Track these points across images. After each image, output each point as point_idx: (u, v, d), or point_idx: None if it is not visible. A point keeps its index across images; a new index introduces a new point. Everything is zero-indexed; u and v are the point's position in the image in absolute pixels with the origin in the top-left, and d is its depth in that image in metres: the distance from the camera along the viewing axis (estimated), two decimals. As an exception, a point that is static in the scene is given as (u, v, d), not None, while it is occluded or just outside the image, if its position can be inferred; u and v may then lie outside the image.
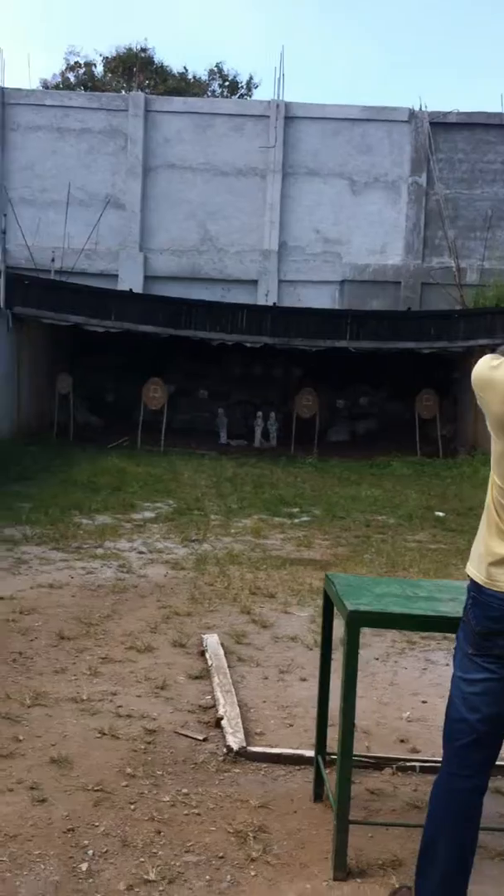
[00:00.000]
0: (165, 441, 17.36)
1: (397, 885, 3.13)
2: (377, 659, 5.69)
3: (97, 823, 3.47)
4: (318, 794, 3.79)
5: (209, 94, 32.56)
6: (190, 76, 33.75)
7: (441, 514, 11.41)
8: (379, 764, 4.15)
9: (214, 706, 4.67)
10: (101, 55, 34.02)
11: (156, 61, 33.59)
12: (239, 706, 4.66)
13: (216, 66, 34.16)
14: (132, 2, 55.78)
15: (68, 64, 33.45)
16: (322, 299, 21.89)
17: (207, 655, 5.40)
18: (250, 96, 32.99)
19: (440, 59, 59.76)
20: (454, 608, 3.21)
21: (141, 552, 8.40)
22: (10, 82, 31.40)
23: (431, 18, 61.90)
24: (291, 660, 5.56)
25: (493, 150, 22.47)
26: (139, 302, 18.80)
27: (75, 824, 3.45)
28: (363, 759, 4.12)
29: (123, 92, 28.52)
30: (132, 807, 3.63)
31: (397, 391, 20.22)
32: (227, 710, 4.57)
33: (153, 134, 22.57)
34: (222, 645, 5.62)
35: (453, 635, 3.00)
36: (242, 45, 58.84)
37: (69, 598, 6.65)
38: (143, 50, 33.46)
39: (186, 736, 4.34)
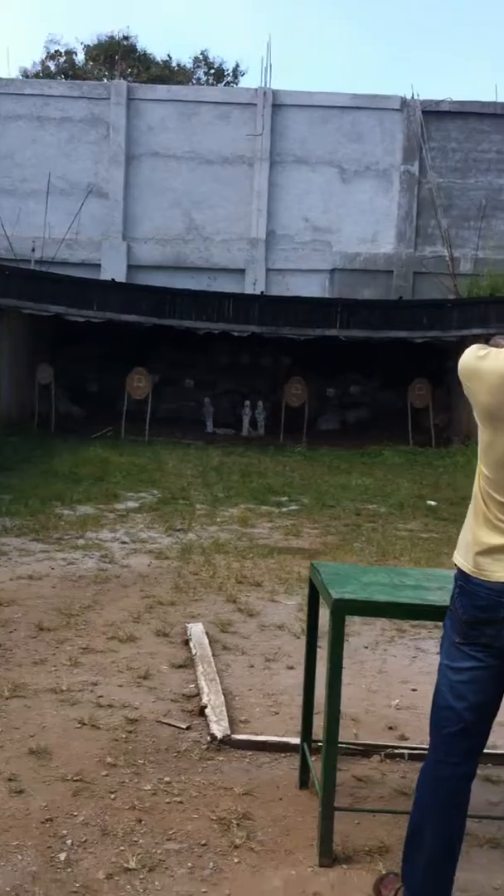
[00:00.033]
0: (150, 431, 17.26)
1: (384, 872, 3.11)
2: (366, 647, 5.63)
3: (76, 813, 3.41)
4: (304, 782, 3.75)
5: (194, 81, 32.38)
6: (174, 64, 33.58)
7: (433, 503, 11.34)
8: (367, 751, 4.11)
9: (198, 695, 4.60)
10: (82, 43, 33.86)
11: (139, 49, 33.40)
12: (224, 694, 4.60)
13: (201, 53, 34.03)
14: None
15: (48, 52, 33.26)
16: (311, 288, 21.79)
17: (191, 644, 5.32)
18: (237, 84, 32.84)
19: (433, 47, 59.71)
20: (441, 597, 3.19)
21: (124, 542, 8.30)
22: (-11, 72, 31.23)
23: (424, 6, 61.74)
24: (278, 648, 5.49)
25: (487, 139, 22.38)
26: (121, 291, 18.66)
27: (54, 814, 3.39)
28: (351, 747, 4.09)
29: (105, 80, 28.31)
30: (112, 796, 3.57)
31: (389, 380, 20.15)
32: (212, 698, 4.50)
33: (136, 122, 22.41)
34: (207, 634, 5.55)
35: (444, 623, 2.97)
36: (228, 32, 58.62)
37: (49, 590, 6.54)
38: (126, 38, 33.27)
39: (169, 724, 4.27)
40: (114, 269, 21.65)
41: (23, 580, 6.74)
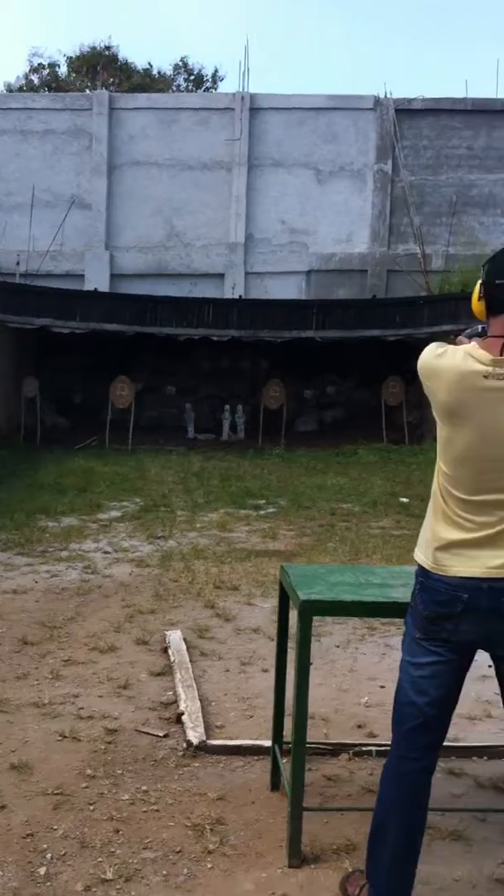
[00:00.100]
0: (133, 439, 17.34)
1: (350, 870, 3.18)
2: (338, 646, 5.77)
3: (56, 827, 3.50)
4: (276, 784, 3.85)
5: (174, 88, 32.41)
6: (155, 72, 33.56)
7: (405, 500, 11.50)
8: (336, 750, 4.21)
9: (176, 702, 4.72)
10: (64, 55, 33.81)
11: (120, 59, 33.39)
12: (200, 700, 4.72)
13: (181, 60, 34.01)
14: (95, 1, 55.39)
15: (32, 66, 33.23)
16: (289, 290, 21.90)
17: (170, 651, 5.45)
18: (216, 89, 32.89)
19: (406, 44, 59.81)
20: (405, 594, 3.25)
21: (106, 552, 8.42)
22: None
23: (397, 4, 61.91)
24: (253, 651, 5.63)
25: (457, 135, 22.48)
26: (104, 301, 18.73)
27: (34, 829, 3.48)
28: (320, 746, 4.19)
29: (88, 91, 28.35)
30: (91, 807, 3.67)
31: (364, 379, 20.27)
32: (188, 704, 4.63)
33: (118, 132, 22.46)
34: (185, 640, 5.68)
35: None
36: (208, 38, 58.57)
37: (33, 603, 6.66)
38: (108, 48, 33.25)
39: (147, 733, 4.39)
40: (97, 279, 21.71)
41: (7, 594, 6.85)
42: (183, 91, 31.95)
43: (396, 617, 3.29)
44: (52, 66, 33.16)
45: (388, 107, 22.33)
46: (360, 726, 4.54)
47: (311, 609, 3.33)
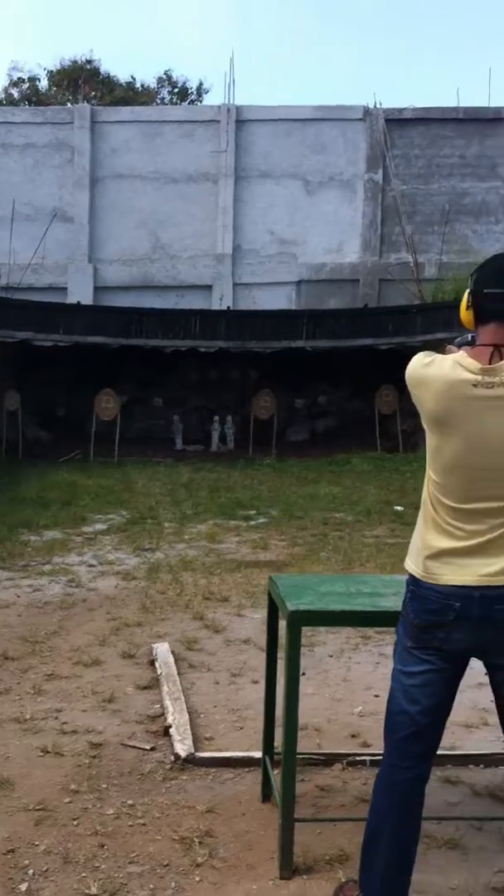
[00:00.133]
0: (120, 451, 17.22)
1: (343, 880, 3.14)
2: (331, 656, 5.67)
3: (38, 843, 3.40)
4: (266, 795, 3.77)
5: (158, 101, 32.46)
6: (138, 85, 33.65)
7: (400, 508, 11.41)
8: (329, 760, 4.14)
9: (163, 715, 4.61)
10: (45, 69, 33.87)
11: (102, 72, 33.46)
12: (189, 712, 4.62)
13: (165, 73, 34.10)
14: (76, 14, 55.61)
15: (11, 80, 33.27)
16: (278, 301, 21.86)
17: (157, 664, 5.34)
18: (201, 102, 32.95)
19: (396, 53, 60.16)
20: (396, 602, 3.22)
21: (91, 565, 8.28)
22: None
23: (386, 12, 62.29)
24: (244, 663, 5.52)
25: (449, 144, 22.50)
26: (88, 313, 18.67)
27: (16, 845, 3.38)
28: (312, 757, 4.12)
29: (69, 105, 28.37)
30: (75, 822, 3.57)
31: (357, 388, 20.23)
32: (176, 717, 4.52)
33: (100, 145, 22.44)
34: (173, 653, 5.57)
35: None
36: (192, 50, 58.95)
37: (15, 618, 6.52)
38: (89, 62, 33.32)
39: (133, 747, 4.28)
40: (80, 292, 21.64)
41: (-12, 609, 6.72)
42: (167, 104, 31.99)
43: (387, 626, 3.26)
44: (33, 80, 33.23)
45: (377, 117, 22.36)
46: (353, 736, 4.46)
47: (300, 619, 3.30)
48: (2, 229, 21.69)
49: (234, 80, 23.62)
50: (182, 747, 4.18)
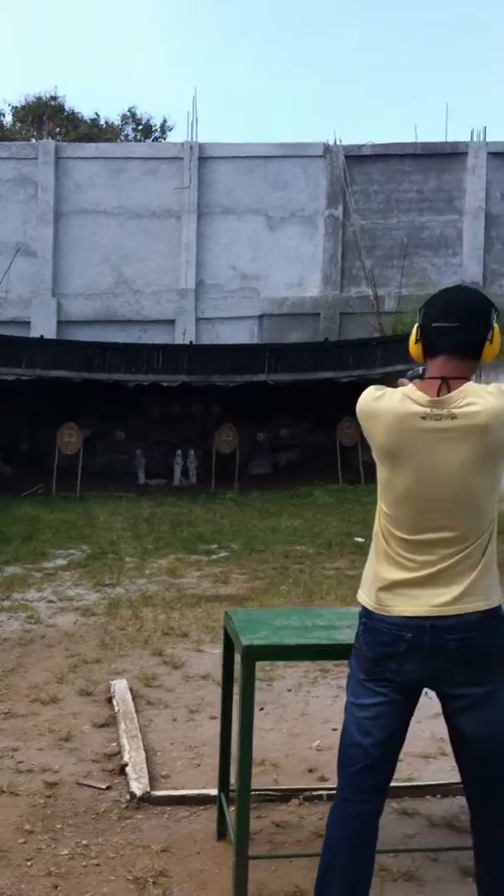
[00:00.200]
0: (82, 485, 17.12)
1: (298, 918, 3.10)
2: (289, 690, 5.64)
3: (-10, 884, 3.36)
4: (222, 833, 3.75)
5: (122, 138, 32.68)
6: (102, 122, 33.86)
7: (361, 539, 11.43)
8: (285, 796, 4.11)
9: (120, 753, 4.57)
10: (9, 105, 33.95)
11: (67, 108, 33.64)
12: (145, 750, 4.58)
13: (129, 110, 34.35)
14: (41, 51, 56.04)
15: (-25, 115, 33.30)
16: (241, 335, 21.98)
17: (115, 702, 5.29)
18: (165, 139, 33.22)
19: (355, 92, 61.19)
20: (350, 635, 3.21)
21: (51, 601, 8.20)
22: None
23: (346, 50, 63.36)
24: (202, 699, 5.48)
25: (407, 179, 22.86)
26: (51, 347, 18.63)
27: (-34, 887, 3.33)
28: (269, 793, 4.08)
29: (34, 140, 28.47)
30: (28, 863, 3.52)
31: (319, 421, 20.34)
32: (132, 755, 4.48)
33: (65, 181, 22.55)
34: (131, 689, 5.52)
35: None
36: (155, 88, 59.49)
37: (-27, 655, 6.45)
38: (53, 98, 33.48)
39: (89, 786, 4.24)
40: (44, 326, 21.63)
41: None
42: (131, 140, 32.23)
43: (342, 659, 3.24)
44: (-4, 115, 33.30)
45: (337, 153, 22.70)
46: (311, 770, 4.44)
47: (254, 654, 3.29)
48: (-34, 264, 21.67)
49: (196, 118, 23.78)
50: (138, 786, 4.14)
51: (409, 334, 2.93)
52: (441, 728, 4.36)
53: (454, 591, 2.70)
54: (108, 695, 5.46)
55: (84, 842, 3.69)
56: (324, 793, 4.06)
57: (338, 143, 22.86)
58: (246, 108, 58.28)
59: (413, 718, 2.88)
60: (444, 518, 2.72)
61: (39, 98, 33.19)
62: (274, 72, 63.96)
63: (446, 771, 4.36)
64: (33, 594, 8.50)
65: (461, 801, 3.46)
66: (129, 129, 34.10)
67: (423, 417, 2.70)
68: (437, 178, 22.90)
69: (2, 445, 19.22)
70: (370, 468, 18.87)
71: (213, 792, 3.94)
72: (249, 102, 60.08)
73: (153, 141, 32.48)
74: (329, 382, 18.31)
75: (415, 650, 2.71)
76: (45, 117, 31.53)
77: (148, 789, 4.12)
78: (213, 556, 10.59)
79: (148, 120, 34.27)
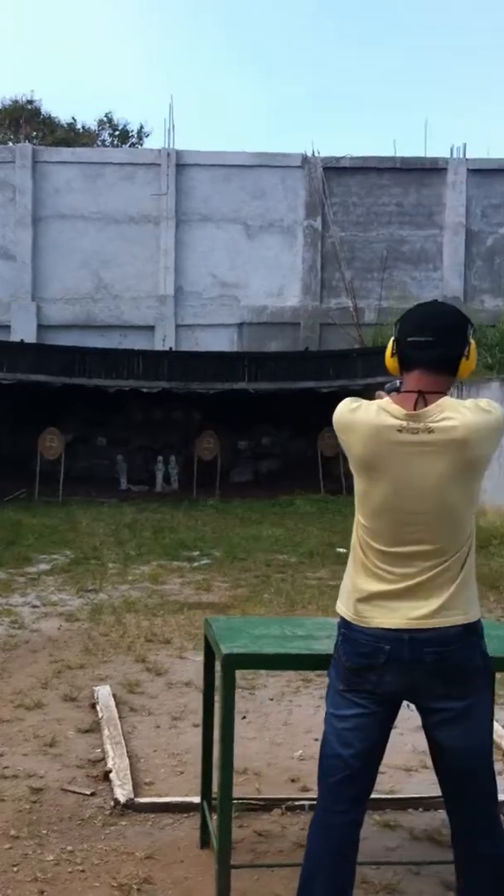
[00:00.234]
0: (64, 491, 17.15)
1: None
2: (272, 699, 5.69)
3: (-23, 890, 3.38)
4: (205, 841, 3.75)
5: (99, 143, 32.69)
6: (79, 126, 33.87)
7: (342, 550, 11.49)
8: (268, 805, 4.13)
9: (104, 759, 4.61)
10: (-14, 108, 33.90)
11: (43, 113, 33.62)
12: (129, 757, 4.61)
13: (105, 115, 34.38)
14: (17, 55, 55.94)
15: (-49, 119, 33.23)
16: (221, 343, 22.04)
17: (98, 708, 5.33)
18: (141, 145, 33.27)
19: (334, 104, 61.44)
20: (329, 645, 3.22)
21: (34, 606, 8.25)
22: None
23: (323, 64, 63.63)
24: (184, 706, 5.52)
25: (386, 192, 23.01)
26: (31, 352, 18.67)
27: (-47, 893, 3.35)
28: (251, 802, 4.11)
29: (10, 144, 28.44)
30: (15, 869, 3.54)
31: (299, 430, 20.43)
32: (116, 762, 4.51)
33: (42, 184, 22.54)
34: (114, 696, 5.56)
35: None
36: (132, 94, 59.55)
37: (-45, 661, 6.48)
38: (30, 102, 33.49)
39: (73, 792, 4.27)
40: (24, 330, 21.60)
41: None
42: (108, 146, 32.25)
43: (321, 669, 3.25)
44: (-28, 119, 33.22)
45: (315, 165, 22.82)
46: (293, 780, 4.46)
47: (234, 662, 3.30)
48: None
49: (173, 125, 23.86)
50: (122, 793, 4.17)
51: (390, 346, 2.94)
52: (423, 741, 4.39)
53: (433, 604, 2.71)
54: (92, 701, 5.50)
55: (69, 848, 3.72)
56: (306, 803, 4.07)
57: (316, 154, 22.99)
58: (221, 117, 58.54)
59: (395, 731, 2.89)
60: (422, 531, 2.73)
61: (16, 101, 33.20)
62: (249, 81, 64.30)
63: (428, 784, 4.39)
64: (17, 599, 8.55)
65: (443, 814, 3.49)
66: (105, 135, 34.15)
67: (400, 430, 2.70)
68: (416, 192, 23.09)
69: (-18, 451, 19.19)
70: (351, 478, 18.90)
71: (196, 800, 3.96)
72: (225, 111, 60.31)
73: (130, 146, 32.51)
74: (310, 392, 18.40)
75: (393, 662, 2.71)
76: (22, 121, 31.50)
77: (132, 796, 4.15)
78: (196, 564, 10.65)
79: (125, 125, 34.38)
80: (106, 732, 4.91)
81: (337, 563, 10.61)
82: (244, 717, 5.19)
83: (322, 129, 58.30)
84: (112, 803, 4.11)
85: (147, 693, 5.78)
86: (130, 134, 34.19)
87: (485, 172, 23.11)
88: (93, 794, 4.23)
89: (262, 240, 22.84)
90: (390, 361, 2.88)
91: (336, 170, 22.93)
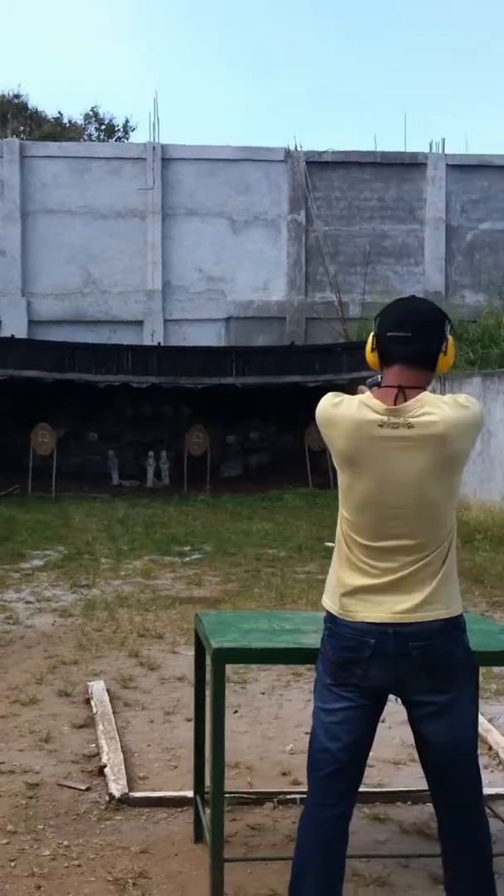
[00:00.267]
0: (56, 486, 17.18)
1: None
2: (263, 693, 5.75)
3: (-26, 885, 3.43)
4: (199, 835, 3.80)
5: (85, 138, 32.61)
6: (65, 121, 33.78)
7: (330, 544, 11.48)
8: (260, 799, 4.18)
9: (98, 754, 4.67)
10: (-28, 104, 33.74)
11: (30, 107, 33.51)
12: (123, 752, 4.67)
13: (91, 110, 34.27)
14: (3, 49, 55.67)
15: None
16: (208, 337, 22.07)
17: (92, 703, 5.39)
18: (127, 139, 33.21)
19: (315, 98, 61.38)
20: (316, 640, 3.24)
21: (29, 602, 8.31)
22: None
23: (305, 59, 63.58)
24: (178, 700, 5.58)
25: (368, 187, 23.04)
26: (21, 347, 18.64)
27: (-49, 888, 3.39)
28: (244, 796, 4.16)
29: (-2, 138, 28.35)
30: (12, 864, 3.60)
31: (287, 424, 20.47)
32: (111, 757, 4.57)
33: (30, 179, 22.47)
34: (108, 691, 5.62)
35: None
36: (118, 88, 59.37)
37: (-49, 657, 6.53)
38: (17, 96, 33.37)
39: (69, 787, 4.33)
40: (14, 326, 21.55)
41: None
42: (94, 140, 32.18)
43: (309, 663, 3.28)
44: (-42, 114, 33.05)
45: (298, 159, 22.83)
46: (284, 774, 4.52)
47: (224, 657, 3.34)
48: None
49: (158, 119, 23.88)
50: (116, 787, 4.23)
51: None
52: (411, 734, 4.48)
53: (416, 598, 2.75)
54: (86, 696, 5.56)
55: (65, 843, 3.77)
56: (297, 796, 4.10)
57: (298, 148, 23.01)
58: (205, 111, 58.45)
59: (383, 724, 2.95)
60: (403, 526, 2.76)
61: (2, 96, 33.05)
62: (233, 76, 64.10)
63: (417, 777, 4.42)
64: (11, 595, 8.62)
65: (431, 808, 3.56)
66: (91, 129, 34.05)
67: (381, 425, 2.73)
68: (397, 187, 23.13)
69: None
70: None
71: (190, 794, 4.00)
72: (209, 105, 60.21)
73: (116, 141, 32.44)
74: (296, 386, 18.45)
75: (378, 656, 2.74)
76: (9, 115, 31.40)
77: (126, 791, 4.21)
78: (187, 558, 10.71)
79: (111, 120, 34.28)
80: (100, 728, 4.98)
81: (325, 558, 10.65)
82: (236, 712, 5.27)
83: (305, 124, 58.41)
84: (107, 798, 4.17)
85: (140, 688, 5.85)
86: (116, 128, 34.14)
87: (464, 168, 23.18)
88: (88, 789, 4.29)
89: (247, 234, 22.84)
90: (370, 356, 2.91)
91: (318, 164, 22.95)
